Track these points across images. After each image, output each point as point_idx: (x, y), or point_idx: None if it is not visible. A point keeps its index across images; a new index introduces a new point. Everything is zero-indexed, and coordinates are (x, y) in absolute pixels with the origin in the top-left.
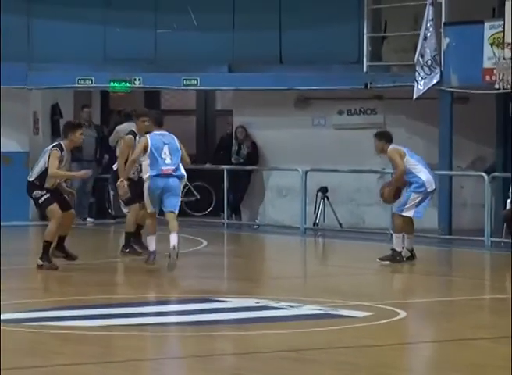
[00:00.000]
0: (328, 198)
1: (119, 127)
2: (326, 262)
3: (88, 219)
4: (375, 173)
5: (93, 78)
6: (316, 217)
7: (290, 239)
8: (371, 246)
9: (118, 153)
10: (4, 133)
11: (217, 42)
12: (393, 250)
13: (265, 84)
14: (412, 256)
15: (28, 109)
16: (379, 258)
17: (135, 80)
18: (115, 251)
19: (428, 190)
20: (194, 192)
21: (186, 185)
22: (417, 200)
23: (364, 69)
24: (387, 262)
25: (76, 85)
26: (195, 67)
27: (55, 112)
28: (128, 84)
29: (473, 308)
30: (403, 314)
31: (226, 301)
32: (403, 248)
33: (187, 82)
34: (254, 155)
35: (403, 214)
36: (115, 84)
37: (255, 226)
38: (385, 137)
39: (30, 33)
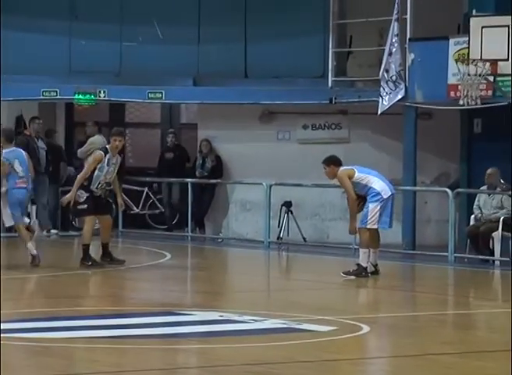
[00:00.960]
0: (292, 213)
1: (92, 139)
2: (290, 276)
3: (52, 230)
4: (339, 188)
5: (58, 90)
6: (280, 231)
7: (254, 253)
8: (334, 260)
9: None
10: None
11: (182, 55)
12: (359, 265)
13: (230, 98)
14: (376, 271)
15: None
16: (343, 273)
17: (100, 92)
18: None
19: (384, 197)
20: (158, 205)
21: (150, 198)
22: (377, 209)
23: (329, 84)
24: (352, 277)
25: (41, 97)
26: (160, 80)
27: (20, 123)
28: (93, 97)
29: (437, 324)
30: (366, 329)
31: (190, 315)
32: (367, 263)
33: (152, 95)
34: (219, 169)
35: (368, 227)
36: (80, 97)
37: (219, 240)
38: (333, 162)
39: None
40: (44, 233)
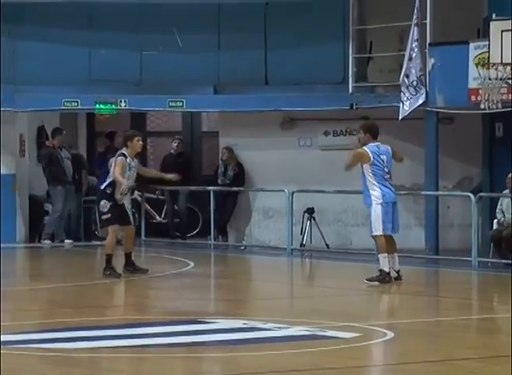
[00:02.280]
0: (314, 219)
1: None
2: (313, 282)
3: (66, 240)
4: (361, 194)
5: (79, 100)
6: (303, 238)
7: (277, 260)
8: (358, 267)
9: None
10: None
11: (202, 64)
12: (381, 271)
13: (251, 105)
14: (399, 276)
15: (14, 132)
16: (367, 279)
17: (121, 101)
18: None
19: (381, 201)
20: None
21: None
22: (379, 214)
23: (350, 90)
24: (376, 283)
25: (62, 107)
26: (180, 89)
27: (41, 134)
28: (114, 106)
29: (461, 329)
30: (390, 335)
31: (214, 323)
32: (389, 268)
33: (173, 104)
34: (241, 176)
35: (375, 234)
36: (101, 106)
37: (242, 248)
38: (370, 132)
39: (15, 55)
40: (57, 243)
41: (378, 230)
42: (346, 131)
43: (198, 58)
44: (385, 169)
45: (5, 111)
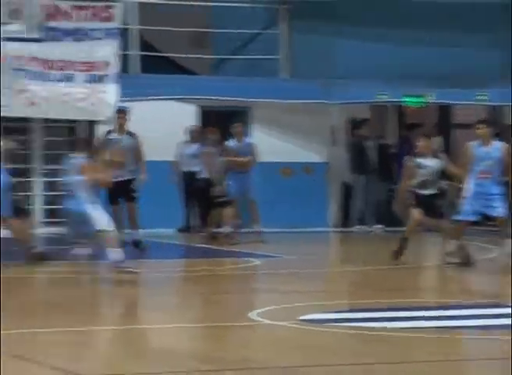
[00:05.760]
0: None
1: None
2: None
3: (374, 226)
4: None
5: (388, 93)
6: None
7: None
8: None
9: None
10: (305, 145)
11: (507, 58)
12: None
13: None
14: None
15: (327, 122)
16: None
17: (430, 95)
18: (407, 257)
19: None
20: None
21: None
22: None
23: None
24: None
25: (373, 100)
26: (486, 82)
27: (353, 125)
28: (422, 99)
29: None
30: None
31: None
32: None
33: (479, 97)
34: None
35: None
36: (409, 99)
37: None
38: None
39: (333, 51)
40: (367, 228)
41: None
42: None
43: (503, 54)
44: None
45: (318, 103)
